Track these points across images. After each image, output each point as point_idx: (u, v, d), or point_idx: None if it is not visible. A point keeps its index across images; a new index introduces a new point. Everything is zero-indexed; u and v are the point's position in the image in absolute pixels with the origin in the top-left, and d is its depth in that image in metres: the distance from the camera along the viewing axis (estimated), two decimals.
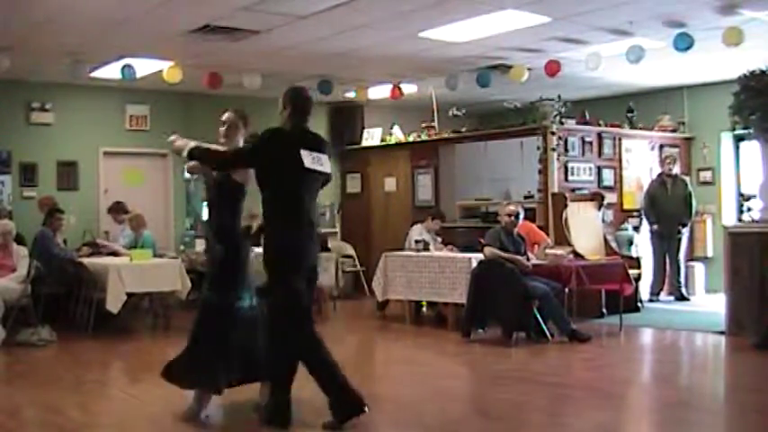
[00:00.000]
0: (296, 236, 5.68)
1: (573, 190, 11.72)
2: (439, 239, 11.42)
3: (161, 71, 11.23)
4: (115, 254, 11.05)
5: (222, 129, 6.18)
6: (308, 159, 5.68)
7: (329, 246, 12.25)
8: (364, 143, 15.12)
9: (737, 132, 12.82)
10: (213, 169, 6.04)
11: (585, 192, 11.83)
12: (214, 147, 6.07)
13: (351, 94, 13.96)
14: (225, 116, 6.22)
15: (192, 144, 5.90)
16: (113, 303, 9.69)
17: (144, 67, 11.01)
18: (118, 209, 11.93)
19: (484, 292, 9.18)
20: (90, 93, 12.79)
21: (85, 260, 10.68)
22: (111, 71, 11.17)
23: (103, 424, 5.36)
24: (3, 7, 8.45)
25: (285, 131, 5.83)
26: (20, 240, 10.42)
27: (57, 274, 10.49)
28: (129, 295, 9.98)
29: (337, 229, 15.25)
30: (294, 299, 5.65)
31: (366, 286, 12.85)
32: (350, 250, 13.94)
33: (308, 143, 5.78)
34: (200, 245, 12.69)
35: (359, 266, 13.80)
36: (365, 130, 15.19)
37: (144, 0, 8.34)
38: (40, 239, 10.70)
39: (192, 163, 6.09)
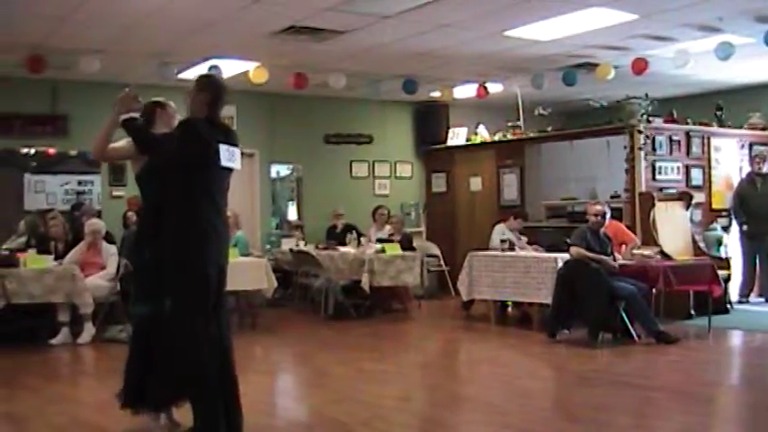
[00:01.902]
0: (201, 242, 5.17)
1: (660, 189, 11.55)
2: (524, 239, 11.36)
3: (247, 72, 11.39)
4: None
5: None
6: (225, 155, 5.31)
7: (414, 245, 12.26)
8: (450, 142, 15.17)
9: None
10: (141, 150, 5.73)
11: (673, 191, 11.65)
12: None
13: (436, 94, 14.00)
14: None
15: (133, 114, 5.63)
16: None
17: (230, 67, 11.18)
18: None
19: (570, 293, 9.11)
20: (177, 94, 12.90)
21: None
22: (198, 72, 11.34)
23: (190, 419, 5.44)
24: (93, 11, 8.67)
25: (202, 123, 5.50)
26: (109, 239, 10.67)
27: None
28: None
29: (423, 229, 15.35)
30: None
31: (451, 286, 12.85)
32: (435, 250, 13.95)
33: (224, 137, 5.45)
34: (287, 244, 12.84)
35: (444, 266, 13.80)
36: (450, 130, 15.22)
37: (230, 2, 8.49)
38: (128, 238, 10.92)
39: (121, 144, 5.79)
